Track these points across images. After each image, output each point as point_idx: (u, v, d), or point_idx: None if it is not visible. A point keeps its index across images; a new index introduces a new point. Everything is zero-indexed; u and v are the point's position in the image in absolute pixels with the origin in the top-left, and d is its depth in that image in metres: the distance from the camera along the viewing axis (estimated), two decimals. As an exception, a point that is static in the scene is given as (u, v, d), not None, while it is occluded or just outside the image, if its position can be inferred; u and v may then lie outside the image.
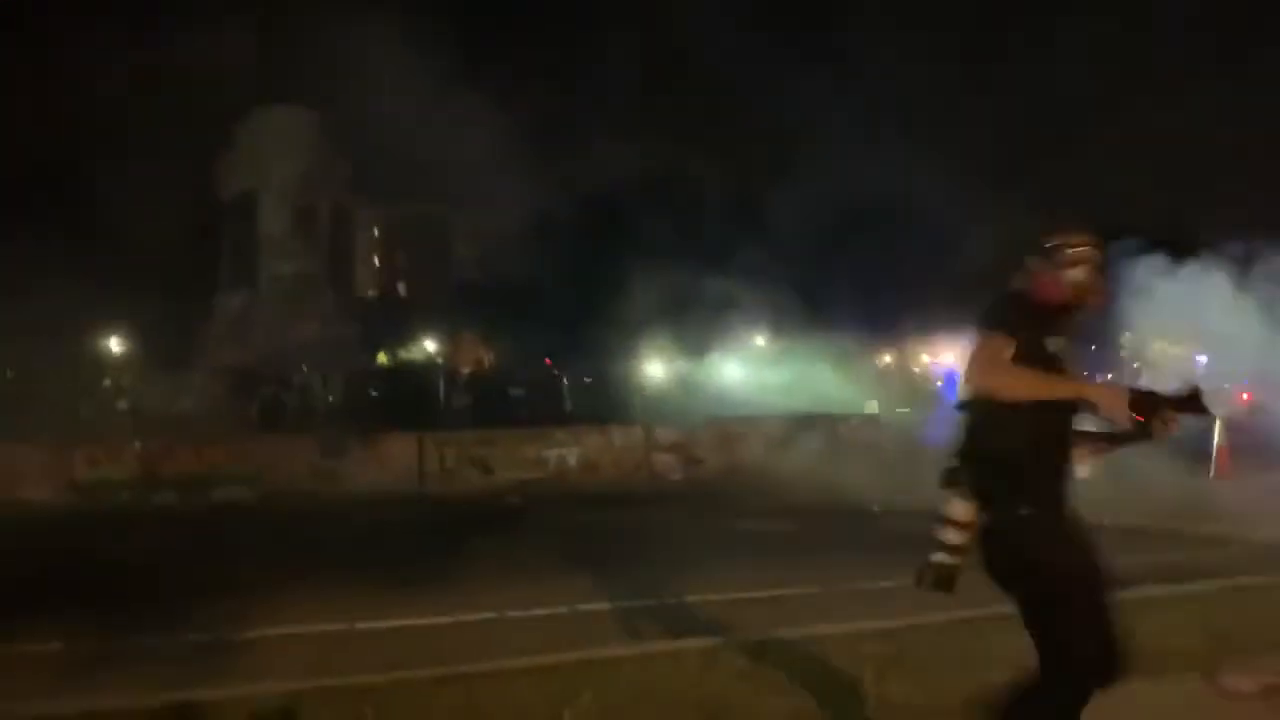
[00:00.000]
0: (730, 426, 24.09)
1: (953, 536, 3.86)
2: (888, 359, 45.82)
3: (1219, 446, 17.79)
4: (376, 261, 78.87)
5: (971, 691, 5.79)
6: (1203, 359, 18.78)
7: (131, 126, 51.38)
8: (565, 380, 38.46)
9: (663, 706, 5.46)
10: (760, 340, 41.63)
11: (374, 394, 36.21)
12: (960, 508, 3.85)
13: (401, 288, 78.30)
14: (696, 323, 36.83)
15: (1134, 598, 8.42)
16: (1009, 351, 3.62)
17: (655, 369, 39.96)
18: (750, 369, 37.94)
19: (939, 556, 3.90)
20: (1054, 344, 3.74)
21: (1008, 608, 7.63)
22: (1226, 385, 18.47)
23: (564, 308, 50.21)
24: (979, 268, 22.07)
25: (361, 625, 8.07)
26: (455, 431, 22.65)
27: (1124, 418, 3.52)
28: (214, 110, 54.88)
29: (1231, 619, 7.37)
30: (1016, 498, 3.73)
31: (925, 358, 44.48)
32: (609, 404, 31.39)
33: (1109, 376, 25.14)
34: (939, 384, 34.45)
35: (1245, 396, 20.36)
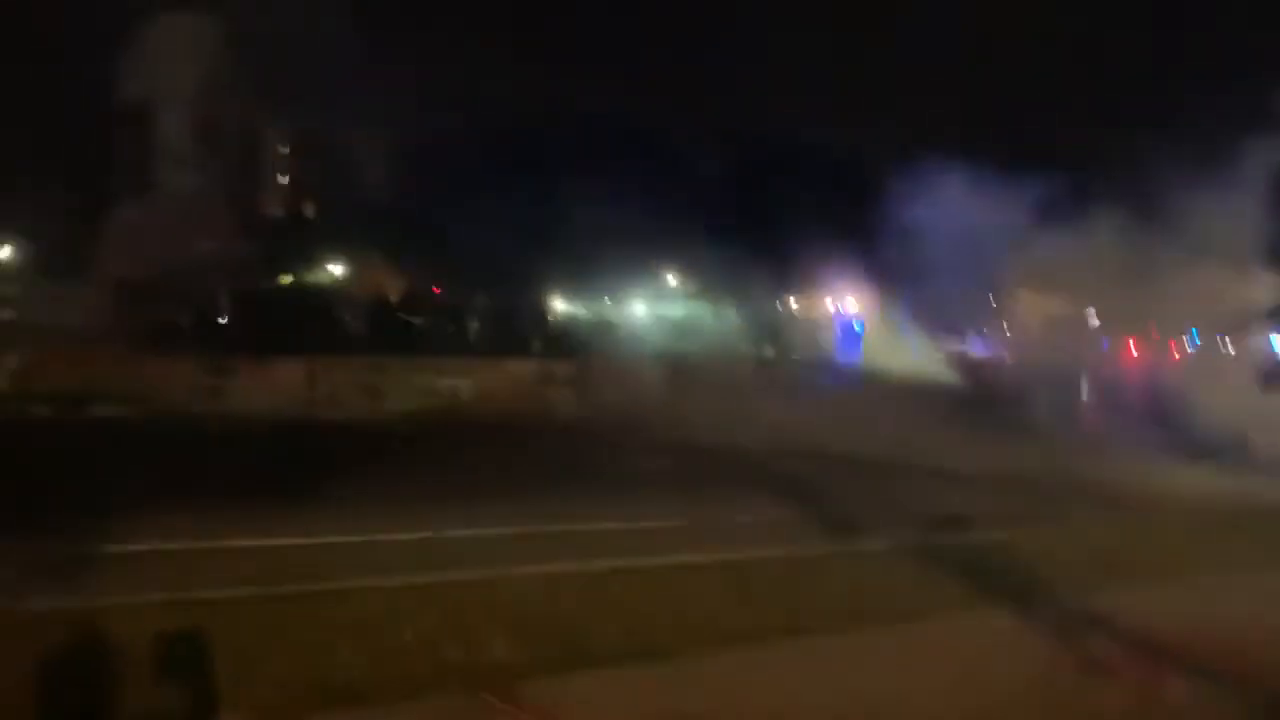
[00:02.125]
0: (626, 364, 24.35)
1: None
2: (793, 305, 46.52)
3: None
4: (283, 180, 76.47)
5: (796, 617, 6.22)
6: None
7: (27, 24, 48.59)
8: (469, 312, 38.25)
9: (508, 626, 5.70)
10: (670, 280, 41.89)
11: (269, 316, 35.41)
12: None
13: (308, 209, 76.18)
14: (605, 259, 36.86)
15: (962, 539, 8.98)
16: None
17: (560, 304, 39.97)
18: (655, 309, 38.25)
19: None
20: None
21: (841, 546, 8.06)
22: None
23: (473, 238, 49.61)
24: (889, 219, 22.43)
25: (227, 544, 8.13)
26: (345, 357, 22.40)
27: None
28: (113, 9, 52.26)
29: None
30: None
31: (830, 305, 45.26)
32: (511, 338, 31.35)
33: None
34: (837, 332, 35.21)
35: None
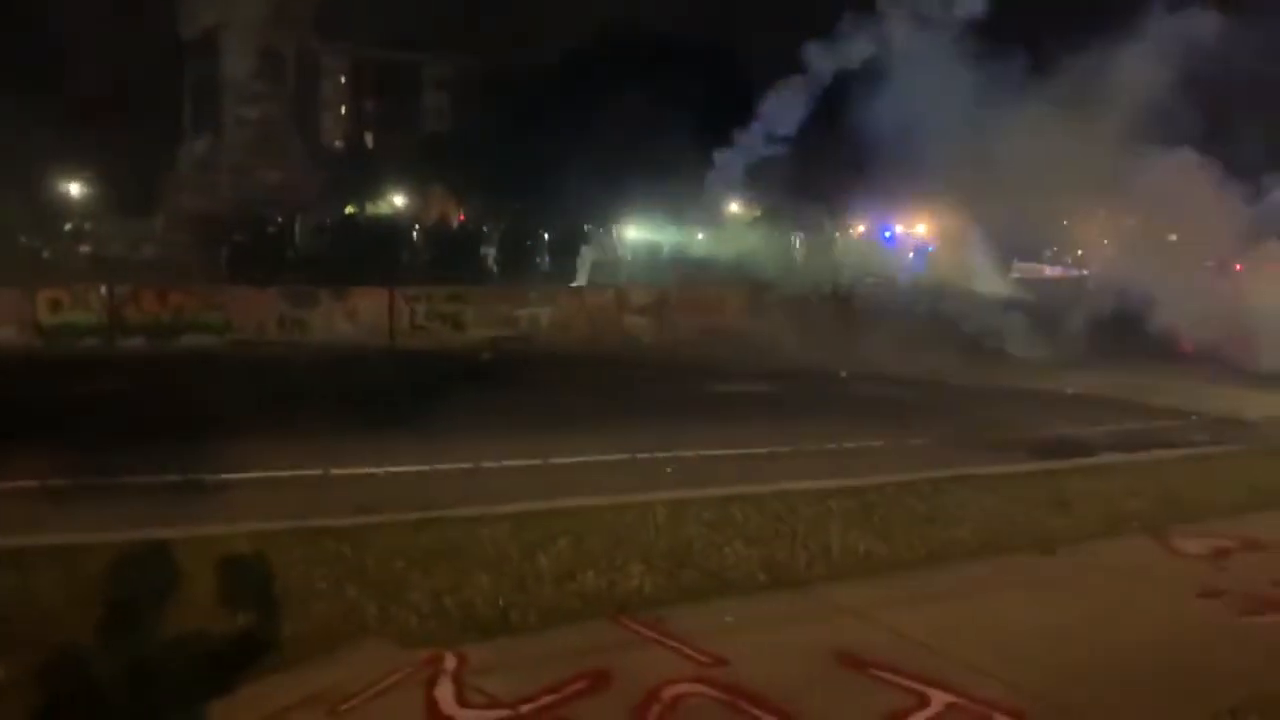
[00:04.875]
0: (702, 291, 24.10)
1: None
2: (861, 229, 45.65)
3: None
4: (343, 110, 76.58)
5: (934, 546, 6.03)
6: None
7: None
8: (540, 239, 38.11)
9: (634, 552, 5.59)
10: (735, 208, 41.22)
11: (341, 246, 35.67)
12: None
13: (369, 138, 76.31)
14: (673, 187, 36.33)
15: (1092, 463, 8.71)
16: None
17: (630, 232, 39.60)
18: (724, 236, 37.73)
19: None
20: None
21: (967, 469, 7.84)
22: None
23: (536, 166, 49.22)
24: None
25: (337, 471, 8.16)
26: (426, 287, 22.46)
27: None
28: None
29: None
30: None
31: (898, 228, 44.35)
32: (589, 266, 31.16)
33: None
34: (909, 255, 34.48)
35: None
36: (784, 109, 25.62)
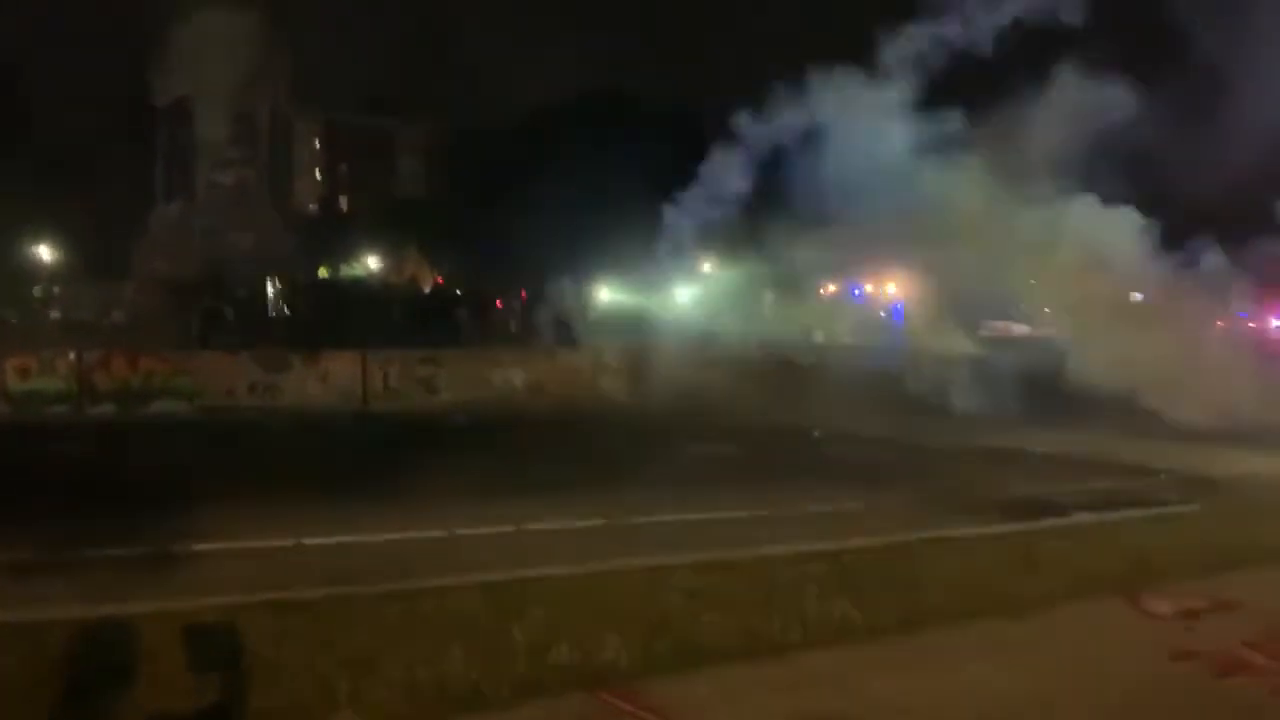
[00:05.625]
0: (675, 351, 24.16)
1: None
2: (832, 287, 46.09)
3: None
4: (317, 174, 76.96)
5: (909, 610, 6.03)
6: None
7: (66, 28, 49.18)
8: (516, 302, 38.16)
9: (610, 622, 5.55)
10: (706, 266, 41.53)
11: (313, 309, 35.59)
12: None
13: (343, 201, 76.60)
14: (642, 246, 36.58)
15: (1064, 524, 8.76)
16: None
17: (602, 292, 39.76)
18: (696, 294, 37.94)
19: None
20: None
21: (943, 531, 7.88)
22: None
23: (506, 227, 49.54)
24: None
25: (308, 541, 8.07)
26: (400, 350, 22.39)
27: None
28: (150, 11, 52.71)
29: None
30: None
31: (868, 287, 44.82)
32: (556, 327, 31.20)
33: None
34: (882, 314, 34.79)
35: None
36: (726, 171, 26.02)
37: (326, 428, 16.77)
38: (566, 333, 29.99)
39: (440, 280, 52.11)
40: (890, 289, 35.61)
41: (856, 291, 38.24)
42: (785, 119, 20.39)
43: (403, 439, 15.72)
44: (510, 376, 21.34)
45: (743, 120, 22.19)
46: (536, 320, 33.89)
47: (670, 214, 28.28)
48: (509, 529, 8.47)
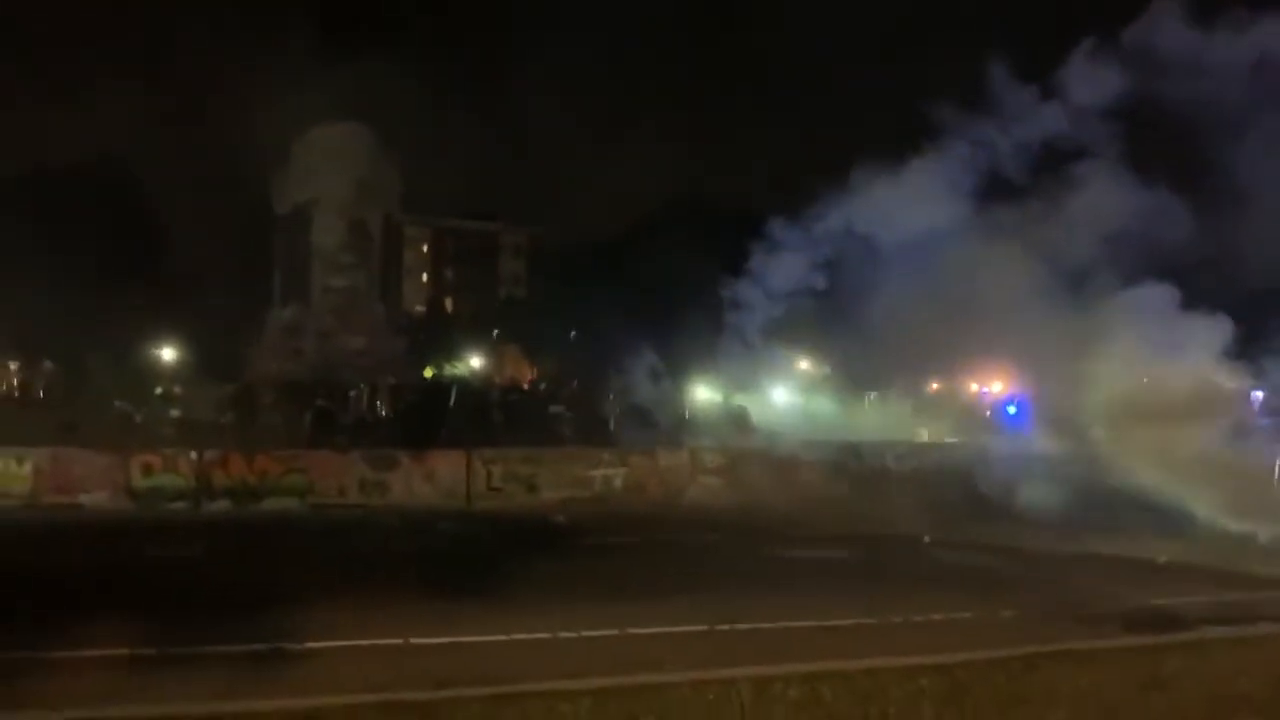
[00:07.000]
0: (777, 451, 23.96)
1: None
2: (935, 385, 45.33)
3: None
4: (424, 277, 79.71)
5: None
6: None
7: (193, 142, 52.59)
8: (612, 399, 38.46)
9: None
10: (803, 365, 41.32)
11: (420, 409, 36.44)
12: None
13: (449, 303, 78.99)
14: (740, 346, 36.65)
15: (1194, 638, 8.30)
16: None
17: (700, 392, 39.83)
18: (795, 394, 37.70)
19: None
20: None
21: (1065, 645, 7.55)
22: None
23: (607, 327, 50.36)
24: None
25: (416, 640, 8.15)
26: (502, 449, 22.73)
27: None
28: (271, 126, 56.05)
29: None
30: None
31: (974, 385, 43.93)
32: (653, 426, 31.29)
33: None
34: (988, 412, 33.91)
35: None
36: (794, 269, 26.13)
37: (431, 526, 17.00)
38: (649, 422, 30.05)
39: (534, 376, 52.98)
40: (996, 387, 34.85)
41: (983, 391, 37.41)
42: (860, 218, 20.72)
43: (504, 538, 15.85)
44: (610, 476, 21.40)
45: (816, 220, 22.61)
46: (611, 411, 34.12)
47: (743, 312, 28.53)
48: (612, 632, 8.42)
